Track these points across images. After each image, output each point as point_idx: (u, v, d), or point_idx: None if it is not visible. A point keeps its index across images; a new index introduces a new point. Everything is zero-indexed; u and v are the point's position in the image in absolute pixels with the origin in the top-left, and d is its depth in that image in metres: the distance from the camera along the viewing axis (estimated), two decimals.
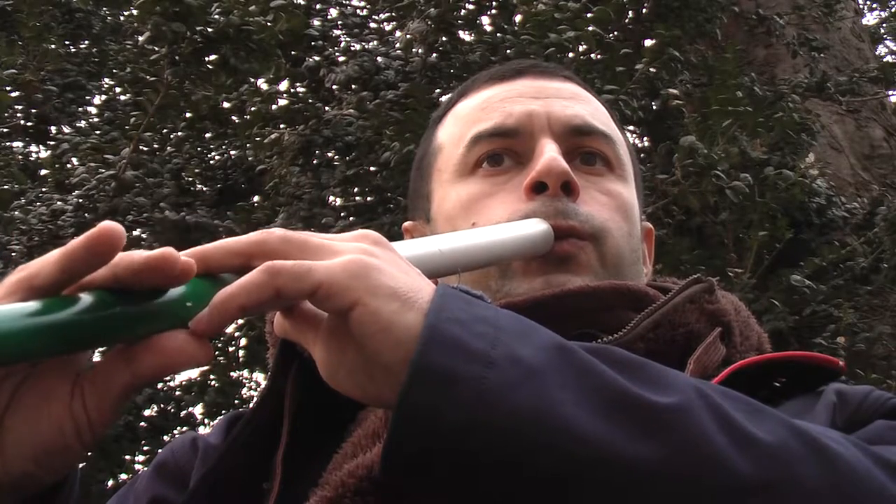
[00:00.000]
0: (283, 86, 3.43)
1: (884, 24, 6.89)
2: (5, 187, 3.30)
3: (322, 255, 0.53)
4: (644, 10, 3.03)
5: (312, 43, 3.25)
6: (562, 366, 0.51)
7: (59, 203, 2.84)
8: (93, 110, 4.30)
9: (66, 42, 4.48)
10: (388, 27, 4.20)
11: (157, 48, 2.78)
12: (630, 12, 3.05)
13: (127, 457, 3.88)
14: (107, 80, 4.44)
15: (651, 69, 2.63)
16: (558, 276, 0.79)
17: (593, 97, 0.93)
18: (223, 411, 4.10)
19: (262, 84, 3.36)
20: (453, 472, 0.49)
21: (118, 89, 4.14)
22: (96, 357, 0.57)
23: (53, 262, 0.49)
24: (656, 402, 0.50)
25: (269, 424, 0.68)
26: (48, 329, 0.46)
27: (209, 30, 2.59)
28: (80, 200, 2.80)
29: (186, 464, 0.77)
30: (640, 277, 0.87)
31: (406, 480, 0.51)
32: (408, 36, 3.17)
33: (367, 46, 3.39)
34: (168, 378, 3.89)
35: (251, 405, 0.71)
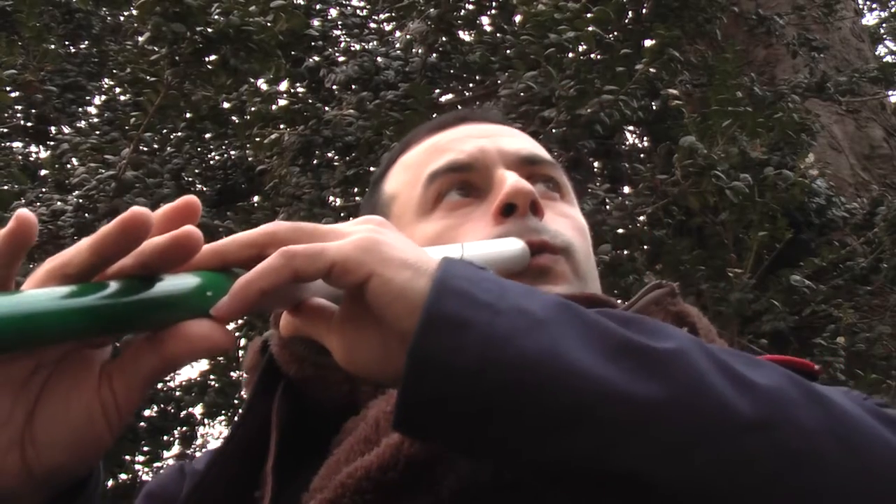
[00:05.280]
0: (283, 86, 3.44)
1: (884, 24, 6.90)
2: (5, 187, 3.30)
3: (331, 239, 0.56)
4: (644, 11, 3.03)
5: (312, 43, 3.25)
6: (566, 317, 0.53)
7: (59, 203, 2.84)
8: (93, 111, 4.30)
9: (66, 42, 4.47)
10: (388, 27, 4.21)
11: (157, 48, 2.78)
12: (630, 12, 3.05)
13: (127, 457, 3.88)
14: (107, 80, 4.44)
15: (651, 69, 2.63)
16: (540, 287, 0.79)
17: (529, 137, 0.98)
18: (223, 411, 4.10)
19: (262, 84, 3.36)
20: (465, 416, 0.50)
21: (118, 90, 4.14)
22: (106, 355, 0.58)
23: (86, 248, 0.51)
24: (657, 346, 0.53)
25: (255, 438, 0.69)
26: (81, 311, 0.49)
27: (209, 30, 2.59)
28: (80, 201, 2.80)
29: (174, 491, 0.79)
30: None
31: (418, 430, 0.53)
32: (408, 36, 3.17)
33: (367, 46, 3.39)
34: (168, 378, 3.90)
35: (235, 420, 0.73)
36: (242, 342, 4.03)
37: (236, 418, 0.73)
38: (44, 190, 3.31)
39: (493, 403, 0.50)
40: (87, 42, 4.58)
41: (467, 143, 0.89)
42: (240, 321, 3.34)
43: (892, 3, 7.00)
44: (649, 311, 0.76)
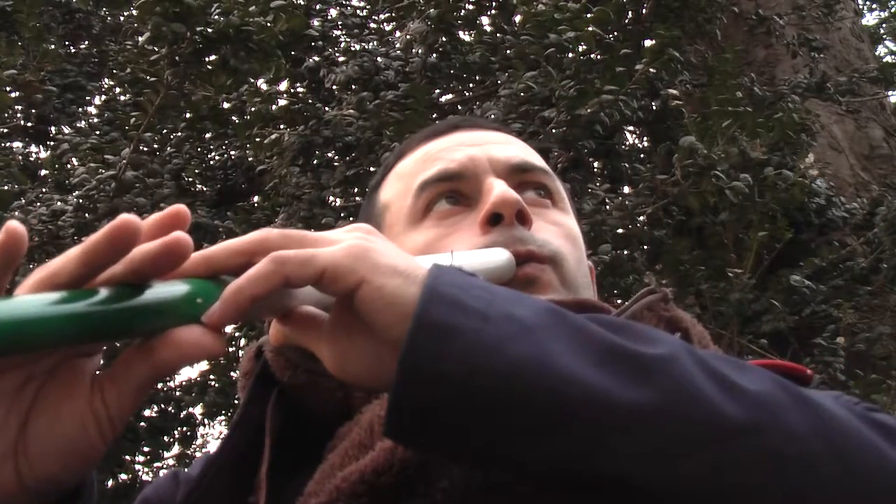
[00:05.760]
0: (283, 86, 3.43)
1: (884, 24, 6.91)
2: (5, 187, 3.30)
3: (321, 246, 0.55)
4: (644, 11, 3.03)
5: (312, 43, 3.26)
6: (555, 323, 0.53)
7: (59, 203, 2.84)
8: (93, 111, 4.30)
9: (66, 42, 4.48)
10: (388, 27, 4.21)
11: (157, 48, 2.78)
12: (630, 12, 3.05)
13: (127, 457, 3.89)
14: (107, 80, 4.44)
15: (651, 69, 2.63)
16: None
17: (523, 143, 0.98)
18: (223, 411, 4.10)
19: (262, 84, 3.36)
20: (455, 423, 0.51)
21: (118, 90, 4.14)
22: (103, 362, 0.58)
23: (75, 257, 0.51)
24: (646, 352, 0.53)
25: (249, 444, 0.69)
26: (72, 317, 0.48)
27: (209, 30, 2.59)
28: (80, 201, 2.80)
29: (169, 498, 0.79)
30: None
31: (409, 437, 0.53)
32: (408, 36, 3.17)
33: (367, 46, 3.39)
34: (168, 378, 3.90)
35: (230, 424, 0.73)
36: (243, 342, 4.03)
37: (231, 424, 0.73)
38: (44, 190, 3.31)
39: (483, 410, 0.50)
40: (87, 42, 4.58)
41: (458, 151, 0.89)
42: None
43: (892, 3, 7.01)
44: (642, 317, 0.75)
